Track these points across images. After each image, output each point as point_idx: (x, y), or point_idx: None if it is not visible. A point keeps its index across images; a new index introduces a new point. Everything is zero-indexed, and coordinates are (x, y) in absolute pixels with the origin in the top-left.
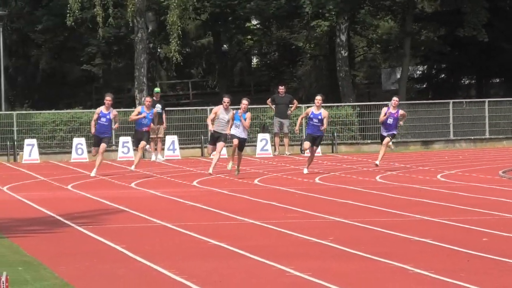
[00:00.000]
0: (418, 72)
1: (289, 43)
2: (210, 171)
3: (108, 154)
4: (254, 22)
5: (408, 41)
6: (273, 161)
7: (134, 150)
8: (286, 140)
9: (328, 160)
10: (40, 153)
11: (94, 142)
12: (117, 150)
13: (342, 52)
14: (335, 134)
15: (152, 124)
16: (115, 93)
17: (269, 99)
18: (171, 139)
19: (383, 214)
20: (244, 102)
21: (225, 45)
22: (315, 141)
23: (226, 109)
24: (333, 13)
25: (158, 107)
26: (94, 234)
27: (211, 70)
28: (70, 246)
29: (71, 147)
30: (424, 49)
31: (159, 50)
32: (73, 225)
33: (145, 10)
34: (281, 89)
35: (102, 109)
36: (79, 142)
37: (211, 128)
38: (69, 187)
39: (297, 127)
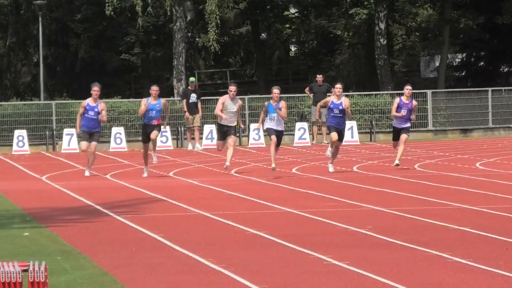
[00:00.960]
0: (457, 60)
1: (327, 32)
2: (227, 164)
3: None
4: (293, 10)
5: (447, 29)
6: (311, 150)
7: (142, 151)
8: (324, 129)
9: (366, 148)
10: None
11: (83, 137)
12: (109, 142)
13: (381, 40)
14: (373, 122)
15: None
16: (153, 82)
17: (307, 87)
18: (209, 128)
19: (421, 203)
20: (275, 91)
21: (263, 34)
22: (340, 134)
23: (233, 99)
24: (372, 1)
25: (193, 97)
26: (132, 223)
27: (249, 59)
28: (108, 236)
29: (110, 137)
30: (463, 37)
31: (197, 39)
32: (111, 214)
33: None
34: (319, 77)
35: (89, 101)
36: (117, 132)
37: (224, 117)
38: (107, 176)
39: (316, 115)
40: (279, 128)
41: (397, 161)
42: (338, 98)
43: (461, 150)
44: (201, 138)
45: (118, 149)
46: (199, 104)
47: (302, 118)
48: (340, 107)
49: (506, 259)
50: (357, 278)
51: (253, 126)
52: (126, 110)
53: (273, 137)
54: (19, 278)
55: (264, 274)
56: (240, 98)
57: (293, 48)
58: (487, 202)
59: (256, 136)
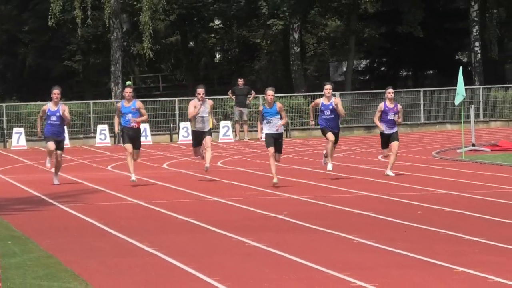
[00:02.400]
0: (361, 65)
1: (248, 41)
2: (207, 166)
3: (87, 141)
4: (217, 22)
5: (353, 38)
6: (234, 145)
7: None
8: (245, 127)
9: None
10: (27, 140)
11: (47, 140)
12: (95, 137)
13: (295, 48)
14: (289, 121)
15: (137, 118)
16: (93, 87)
17: (230, 90)
18: (144, 127)
19: (330, 191)
20: (270, 92)
21: (191, 43)
22: (335, 136)
23: (203, 101)
24: (287, 13)
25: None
26: (74, 211)
27: (179, 65)
28: (53, 222)
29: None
30: (367, 45)
31: (132, 47)
32: (56, 203)
33: (120, 12)
34: (240, 81)
35: (49, 105)
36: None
37: (198, 126)
38: (52, 170)
39: (311, 119)
40: (279, 132)
41: (389, 172)
42: (328, 99)
43: (365, 145)
44: None
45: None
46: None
47: (226, 117)
48: (331, 107)
49: (405, 239)
50: (275, 258)
51: (182, 124)
52: (70, 112)
53: (271, 149)
54: None
55: (193, 255)
56: (171, 100)
57: (217, 55)
58: (387, 190)
59: (185, 133)
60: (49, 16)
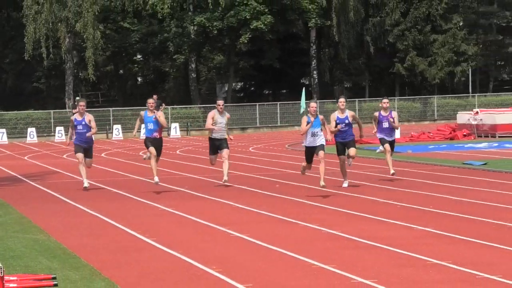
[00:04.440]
0: (238, 86)
1: (160, 69)
2: (225, 178)
3: (48, 138)
4: (139, 56)
5: (232, 68)
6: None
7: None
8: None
9: (185, 140)
10: (8, 138)
11: (77, 149)
12: (54, 135)
13: (193, 74)
14: (189, 124)
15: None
16: (54, 101)
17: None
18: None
19: (215, 172)
20: (313, 104)
21: (121, 71)
22: (349, 145)
23: (221, 113)
24: (187, 51)
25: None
26: (40, 186)
27: (112, 86)
28: (26, 194)
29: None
30: (241, 72)
31: (80, 73)
32: (28, 181)
33: (72, 49)
34: (155, 97)
35: (76, 116)
36: (31, 131)
37: (216, 128)
38: (25, 158)
39: (330, 136)
40: (322, 143)
41: (392, 171)
42: (342, 112)
43: (240, 141)
44: None
45: (32, 141)
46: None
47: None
48: (346, 121)
49: (267, 204)
50: (179, 217)
51: (115, 126)
52: (39, 117)
53: (322, 162)
54: None
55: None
56: (107, 110)
57: (139, 79)
58: (253, 171)
59: (117, 133)
60: (25, 52)
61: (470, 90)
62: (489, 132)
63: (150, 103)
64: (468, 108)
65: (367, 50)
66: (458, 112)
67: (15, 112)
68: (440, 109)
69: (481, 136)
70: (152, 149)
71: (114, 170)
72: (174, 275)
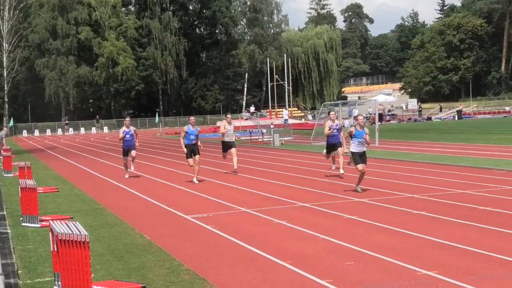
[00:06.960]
0: None
1: None
2: (235, 167)
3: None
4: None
5: None
6: None
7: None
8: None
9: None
10: None
11: (124, 152)
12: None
13: None
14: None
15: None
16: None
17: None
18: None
19: (174, 164)
20: (361, 118)
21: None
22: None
23: (230, 123)
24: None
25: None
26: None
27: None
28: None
29: None
30: None
31: None
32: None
33: None
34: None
35: (124, 128)
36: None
37: (226, 131)
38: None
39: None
40: (364, 149)
41: (342, 171)
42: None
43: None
44: None
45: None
46: None
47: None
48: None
49: (188, 185)
50: (141, 199)
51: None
52: None
53: (360, 166)
54: None
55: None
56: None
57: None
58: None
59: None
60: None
61: None
62: None
63: (192, 120)
64: None
65: None
66: None
67: None
68: None
69: None
70: (190, 160)
71: (106, 161)
72: None
